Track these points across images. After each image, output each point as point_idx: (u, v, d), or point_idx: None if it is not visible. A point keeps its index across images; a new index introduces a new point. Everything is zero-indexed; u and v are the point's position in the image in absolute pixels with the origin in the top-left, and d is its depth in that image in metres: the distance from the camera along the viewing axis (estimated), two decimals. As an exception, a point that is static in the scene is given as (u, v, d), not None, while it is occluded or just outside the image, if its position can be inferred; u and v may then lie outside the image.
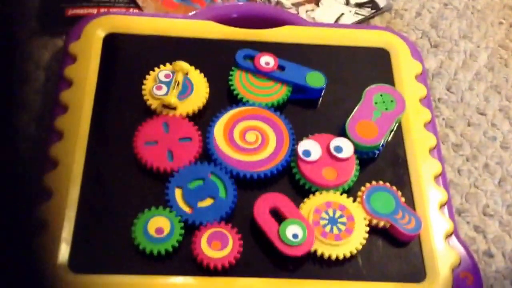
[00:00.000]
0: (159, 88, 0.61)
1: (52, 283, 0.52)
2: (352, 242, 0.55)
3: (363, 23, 0.75)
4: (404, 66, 0.66)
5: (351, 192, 0.58)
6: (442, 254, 0.55)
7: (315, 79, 0.63)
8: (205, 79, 0.63)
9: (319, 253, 0.54)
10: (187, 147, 0.58)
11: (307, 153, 0.58)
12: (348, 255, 0.54)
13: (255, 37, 0.66)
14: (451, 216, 0.59)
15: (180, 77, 0.61)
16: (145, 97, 0.60)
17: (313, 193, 0.57)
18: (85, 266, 0.53)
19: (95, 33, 0.64)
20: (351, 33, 0.68)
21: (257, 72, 0.63)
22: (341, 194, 0.57)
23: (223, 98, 0.62)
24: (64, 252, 0.53)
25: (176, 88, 0.61)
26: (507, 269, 0.60)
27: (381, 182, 0.58)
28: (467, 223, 0.63)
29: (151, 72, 0.62)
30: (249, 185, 0.57)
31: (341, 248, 0.54)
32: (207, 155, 0.58)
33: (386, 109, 0.61)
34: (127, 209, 0.55)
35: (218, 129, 0.59)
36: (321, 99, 0.64)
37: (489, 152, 0.67)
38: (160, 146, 0.58)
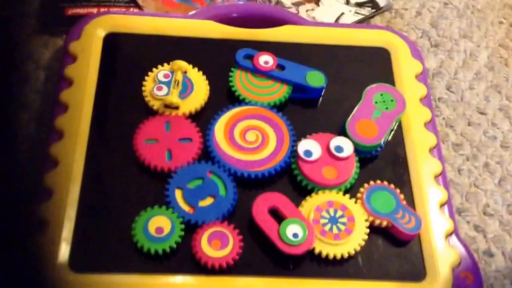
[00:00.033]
0: (159, 88, 0.61)
1: (53, 282, 0.52)
2: (352, 242, 0.55)
3: (363, 22, 0.75)
4: (404, 66, 0.66)
5: (351, 191, 0.58)
6: (442, 254, 0.55)
7: (315, 79, 0.63)
8: (205, 78, 0.63)
9: (317, 251, 0.54)
10: (186, 147, 0.58)
11: (307, 152, 0.58)
12: (347, 254, 0.54)
13: (255, 36, 0.66)
14: (451, 215, 0.59)
15: (179, 76, 0.61)
16: (146, 98, 0.60)
17: (313, 192, 0.57)
18: (85, 266, 0.53)
19: (95, 32, 0.64)
20: (351, 32, 0.68)
21: (257, 71, 0.63)
22: (341, 193, 0.57)
23: (223, 97, 0.62)
24: (64, 251, 0.53)
25: (177, 88, 0.61)
26: (507, 269, 0.60)
27: (381, 182, 0.58)
28: (467, 222, 0.63)
29: (149, 73, 0.62)
30: (249, 184, 0.57)
31: (341, 248, 0.54)
32: (208, 154, 0.58)
33: (386, 108, 0.61)
34: (127, 208, 0.55)
35: (219, 129, 0.59)
36: (321, 98, 0.64)
37: (489, 152, 0.67)
38: (159, 145, 0.58)
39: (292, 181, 0.58)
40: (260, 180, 0.57)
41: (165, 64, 0.63)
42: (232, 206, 0.55)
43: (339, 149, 0.58)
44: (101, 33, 0.65)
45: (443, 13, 0.77)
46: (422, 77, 0.66)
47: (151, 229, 0.54)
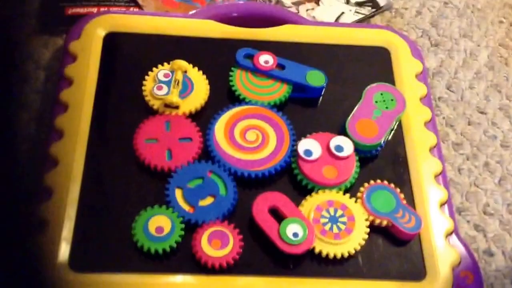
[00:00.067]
0: (159, 88, 0.61)
1: (53, 282, 0.52)
2: (352, 241, 0.55)
3: (363, 22, 0.75)
4: (405, 65, 0.66)
5: (351, 190, 0.58)
6: (442, 253, 0.55)
7: (316, 78, 0.63)
8: (205, 77, 0.63)
9: (317, 251, 0.54)
10: (186, 147, 0.58)
11: (307, 152, 0.58)
12: (347, 254, 0.54)
13: (256, 36, 0.66)
14: (451, 215, 0.59)
15: (179, 76, 0.61)
16: (146, 98, 0.60)
17: (314, 191, 0.57)
18: (85, 265, 0.53)
19: (95, 32, 0.64)
20: (351, 32, 0.68)
21: (257, 71, 0.63)
22: (341, 192, 0.57)
23: (223, 97, 0.62)
24: (64, 251, 0.53)
25: (177, 87, 0.61)
26: (507, 268, 0.60)
27: (381, 181, 0.58)
28: (467, 222, 0.63)
29: (149, 73, 0.62)
30: (249, 184, 0.57)
31: (341, 247, 0.54)
32: (208, 153, 0.58)
33: (387, 108, 0.61)
34: (127, 207, 0.55)
35: (219, 128, 0.59)
36: (321, 98, 0.63)
37: (489, 151, 0.67)
38: (159, 144, 0.58)
39: (292, 180, 0.58)
40: (260, 179, 0.57)
41: (165, 64, 0.63)
42: (232, 206, 0.55)
43: (339, 148, 0.58)
44: (101, 33, 0.65)
45: (443, 12, 0.77)
46: (422, 76, 0.66)
47: (151, 229, 0.54)
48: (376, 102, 0.61)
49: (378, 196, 0.57)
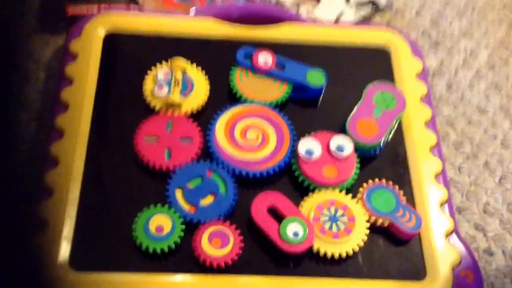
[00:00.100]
0: (160, 88, 0.60)
1: (53, 281, 0.52)
2: (353, 241, 0.55)
3: (363, 21, 0.74)
4: (405, 65, 0.66)
5: (351, 190, 0.58)
6: (443, 252, 0.55)
7: (316, 77, 0.63)
8: (205, 77, 0.62)
9: (317, 250, 0.54)
10: (186, 147, 0.58)
11: (307, 151, 0.58)
12: (348, 253, 0.54)
13: (256, 34, 0.66)
14: (452, 214, 0.58)
15: (179, 75, 0.61)
16: (147, 99, 0.60)
17: (314, 191, 0.57)
18: (86, 264, 0.53)
19: (96, 31, 0.64)
20: (351, 31, 0.68)
21: (257, 71, 0.63)
22: (341, 192, 0.57)
23: (224, 96, 0.62)
24: (65, 250, 0.53)
25: (177, 86, 0.60)
26: (507, 267, 0.60)
27: (381, 180, 0.58)
28: (468, 221, 0.63)
29: (149, 72, 0.62)
30: (249, 183, 0.57)
31: (341, 246, 0.54)
32: (208, 153, 0.58)
33: (387, 107, 0.61)
34: (127, 207, 0.55)
35: (219, 127, 0.59)
36: (321, 97, 0.63)
37: (490, 150, 0.67)
38: (160, 144, 0.58)
39: (292, 180, 0.58)
40: (261, 179, 0.57)
41: (164, 62, 0.62)
42: (232, 205, 0.55)
43: (339, 148, 0.58)
44: (102, 32, 0.65)
45: (443, 12, 0.77)
46: (423, 76, 0.66)
47: (152, 228, 0.54)
48: (376, 101, 0.61)
49: (378, 196, 0.57)
